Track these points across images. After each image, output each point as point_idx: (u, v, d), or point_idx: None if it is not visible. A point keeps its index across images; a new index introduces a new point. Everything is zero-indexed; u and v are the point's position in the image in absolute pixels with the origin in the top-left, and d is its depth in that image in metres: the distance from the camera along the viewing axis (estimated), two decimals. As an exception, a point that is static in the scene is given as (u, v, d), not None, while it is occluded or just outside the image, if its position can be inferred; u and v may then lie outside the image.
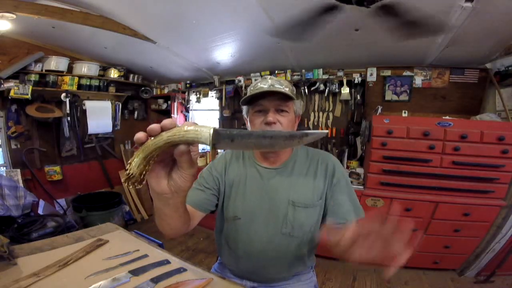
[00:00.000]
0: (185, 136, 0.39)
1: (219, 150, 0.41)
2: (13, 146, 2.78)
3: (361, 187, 2.25)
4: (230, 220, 0.95)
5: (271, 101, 0.86)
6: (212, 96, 3.54)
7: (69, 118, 3.01)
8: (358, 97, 2.79)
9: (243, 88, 3.17)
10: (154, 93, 3.95)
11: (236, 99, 3.33)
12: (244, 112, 0.98)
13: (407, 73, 2.56)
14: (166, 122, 0.41)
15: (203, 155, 3.29)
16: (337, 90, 2.81)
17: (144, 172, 0.42)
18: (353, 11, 1.71)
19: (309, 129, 3.01)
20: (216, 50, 2.77)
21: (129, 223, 3.28)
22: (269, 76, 1.23)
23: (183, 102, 3.84)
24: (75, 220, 2.62)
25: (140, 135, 0.41)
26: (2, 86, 2.54)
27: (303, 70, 2.90)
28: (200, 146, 2.05)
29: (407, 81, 2.56)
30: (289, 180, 0.92)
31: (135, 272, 0.75)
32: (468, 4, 1.60)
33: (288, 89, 0.87)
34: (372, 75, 2.66)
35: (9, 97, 2.59)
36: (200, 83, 3.64)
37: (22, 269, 0.74)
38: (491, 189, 1.95)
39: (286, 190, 0.91)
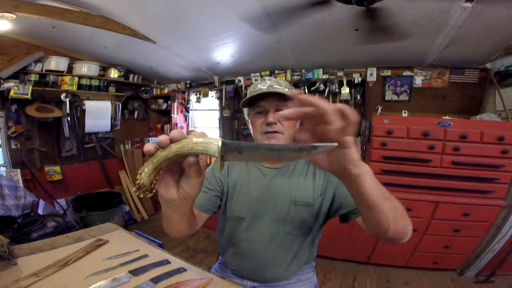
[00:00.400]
0: (194, 148, 0.40)
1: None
2: (13, 146, 2.78)
3: (361, 187, 2.24)
4: (233, 220, 0.96)
5: (270, 102, 0.87)
6: (212, 96, 3.54)
7: (69, 118, 3.02)
8: (358, 97, 2.79)
9: (243, 88, 3.17)
10: (154, 93, 3.95)
11: (236, 99, 3.33)
12: (245, 114, 0.98)
13: (407, 73, 2.56)
14: (175, 134, 0.41)
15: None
16: (337, 90, 2.81)
17: (154, 182, 0.43)
18: (343, 10, 1.73)
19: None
20: (216, 50, 2.77)
21: (129, 223, 3.27)
22: (268, 77, 1.23)
23: (183, 102, 3.84)
24: (75, 220, 2.62)
25: (149, 147, 0.41)
26: (2, 86, 2.55)
27: (303, 70, 2.89)
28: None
29: (407, 81, 2.56)
30: (291, 179, 0.93)
31: (135, 272, 0.74)
32: (468, 4, 1.60)
33: (288, 90, 0.88)
34: (372, 75, 2.66)
35: (9, 97, 2.59)
36: (200, 83, 3.64)
37: (22, 269, 0.74)
38: (491, 189, 1.95)
39: (288, 190, 0.91)
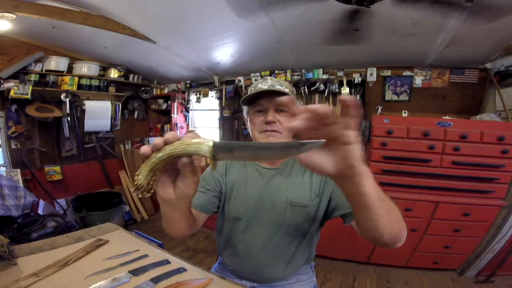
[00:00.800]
0: (186, 150, 0.41)
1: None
2: (13, 146, 2.78)
3: (361, 187, 2.25)
4: (231, 220, 0.96)
5: (270, 101, 0.87)
6: (212, 96, 3.54)
7: (69, 118, 3.02)
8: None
9: (243, 88, 3.17)
10: (154, 93, 3.95)
11: (236, 99, 3.33)
12: (244, 113, 0.98)
13: (407, 73, 2.56)
14: (168, 136, 0.43)
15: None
16: (337, 90, 2.81)
17: (151, 182, 0.45)
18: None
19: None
20: (216, 50, 2.77)
21: (129, 223, 3.27)
22: (269, 77, 1.24)
23: (183, 102, 3.84)
24: (75, 220, 2.62)
25: (145, 149, 0.44)
26: (2, 86, 2.55)
27: (303, 70, 2.89)
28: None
29: (407, 81, 2.56)
30: (288, 180, 0.93)
31: (135, 272, 0.74)
32: (468, 4, 1.60)
33: (288, 90, 0.88)
34: (372, 75, 2.66)
35: (9, 97, 2.59)
36: (200, 83, 3.64)
37: (22, 269, 0.74)
38: (491, 189, 1.95)
39: (285, 190, 0.91)
